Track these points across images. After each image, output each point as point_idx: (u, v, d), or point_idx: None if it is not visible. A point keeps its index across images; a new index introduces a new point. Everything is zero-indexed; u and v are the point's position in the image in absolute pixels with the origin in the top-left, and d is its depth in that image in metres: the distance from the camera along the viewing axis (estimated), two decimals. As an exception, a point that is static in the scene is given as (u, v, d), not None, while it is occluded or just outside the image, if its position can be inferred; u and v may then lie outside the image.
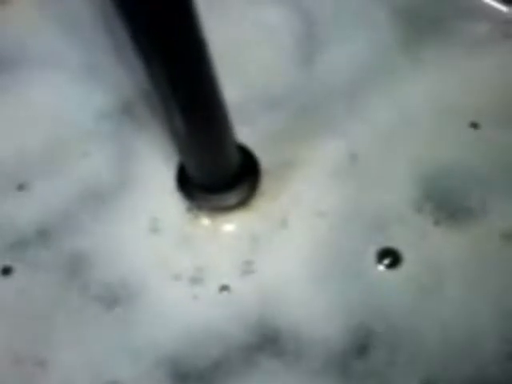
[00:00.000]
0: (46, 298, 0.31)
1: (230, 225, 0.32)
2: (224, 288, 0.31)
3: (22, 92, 0.36)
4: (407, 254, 0.31)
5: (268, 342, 0.30)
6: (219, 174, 0.30)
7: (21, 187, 0.34)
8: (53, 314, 0.31)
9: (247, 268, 0.31)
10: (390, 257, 0.31)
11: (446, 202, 0.32)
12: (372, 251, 0.31)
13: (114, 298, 0.31)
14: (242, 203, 0.32)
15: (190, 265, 0.32)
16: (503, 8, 0.36)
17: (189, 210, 0.32)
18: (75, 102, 0.36)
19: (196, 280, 0.31)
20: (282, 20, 0.37)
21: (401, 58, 0.36)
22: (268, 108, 0.35)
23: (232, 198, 0.31)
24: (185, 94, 0.24)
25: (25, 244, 0.32)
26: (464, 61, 0.36)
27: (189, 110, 0.25)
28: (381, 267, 0.31)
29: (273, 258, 0.32)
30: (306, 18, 0.38)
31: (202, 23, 0.22)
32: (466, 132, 0.34)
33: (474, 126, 0.34)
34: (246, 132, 0.31)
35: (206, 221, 0.32)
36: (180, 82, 0.24)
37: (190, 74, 0.24)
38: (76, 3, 0.38)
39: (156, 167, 0.33)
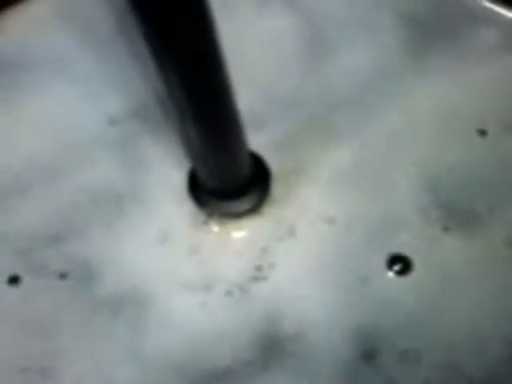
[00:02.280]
0: (53, 307, 0.31)
1: (240, 231, 0.32)
2: (233, 295, 0.31)
3: (31, 97, 0.36)
4: (417, 261, 0.31)
5: (277, 349, 0.30)
6: (231, 181, 0.30)
7: (28, 194, 0.33)
8: (61, 323, 0.31)
9: (257, 275, 0.31)
10: (401, 263, 0.31)
11: (455, 209, 0.32)
12: (382, 257, 0.31)
13: (123, 306, 0.31)
14: (253, 210, 0.32)
15: (200, 272, 0.32)
16: (510, 14, 0.36)
17: (198, 217, 0.32)
18: (85, 108, 0.35)
19: (206, 287, 0.31)
20: (290, 27, 0.37)
21: (407, 64, 0.36)
22: (276, 114, 0.35)
23: (243, 204, 0.31)
24: (199, 101, 0.24)
25: (32, 252, 0.32)
26: (471, 67, 0.36)
27: (203, 118, 0.25)
28: (391, 274, 0.31)
29: (283, 264, 0.32)
30: (312, 23, 0.38)
31: (217, 30, 0.22)
32: (473, 139, 0.34)
33: (482, 132, 0.34)
34: (255, 138, 0.31)
35: (216, 227, 0.32)
36: (195, 88, 0.24)
37: (205, 80, 0.23)
38: (89, 6, 0.37)
39: (166, 174, 0.33)
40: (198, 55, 0.22)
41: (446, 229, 0.32)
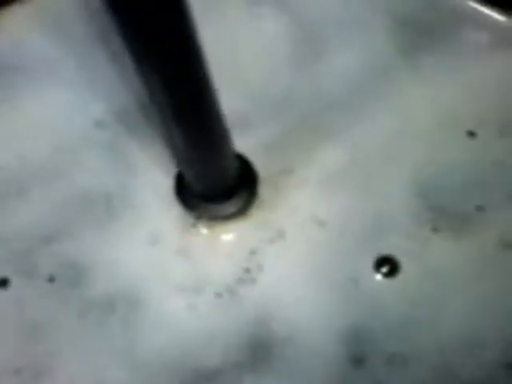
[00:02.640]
0: (43, 309, 0.31)
1: (229, 234, 0.32)
2: (222, 297, 0.31)
3: (16, 101, 0.36)
4: (405, 262, 0.31)
5: (266, 351, 0.30)
6: (218, 183, 0.30)
7: (16, 197, 0.34)
8: (51, 324, 0.31)
9: (246, 277, 0.31)
10: (388, 265, 0.31)
11: (444, 210, 0.32)
12: (370, 259, 0.31)
13: (113, 307, 0.31)
14: (241, 212, 0.32)
15: (189, 274, 0.32)
16: (501, 18, 0.36)
17: (187, 219, 0.33)
18: (71, 112, 0.36)
19: (195, 289, 0.31)
20: (281, 28, 0.37)
21: (399, 65, 0.36)
22: (266, 116, 0.35)
23: (230, 207, 0.31)
24: (182, 105, 0.24)
25: (21, 254, 0.32)
26: (462, 69, 0.36)
27: (186, 122, 0.25)
28: (378, 276, 0.31)
29: (271, 266, 0.32)
30: (303, 24, 0.38)
31: (198, 31, 0.22)
32: (463, 140, 0.34)
33: (471, 134, 0.34)
34: (243, 140, 0.31)
35: (204, 230, 0.32)
36: (177, 92, 0.24)
37: (185, 83, 0.24)
38: (72, 13, 0.38)
39: (154, 177, 0.33)
40: (177, 57, 0.22)
41: (435, 230, 0.32)
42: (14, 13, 0.38)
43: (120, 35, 0.21)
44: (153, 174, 0.33)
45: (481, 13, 0.37)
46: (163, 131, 0.28)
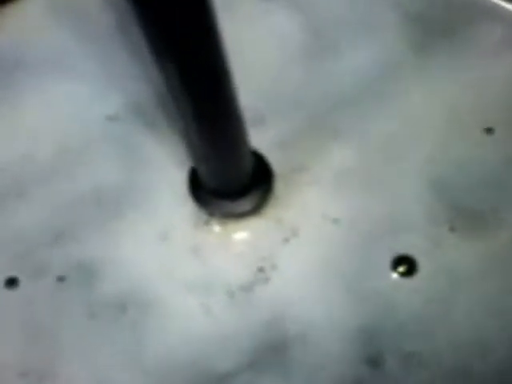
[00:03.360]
0: (52, 309, 0.31)
1: (242, 232, 0.32)
2: (235, 296, 0.31)
3: (30, 95, 0.36)
4: (422, 262, 0.31)
5: (279, 351, 0.29)
6: (233, 181, 0.30)
7: (26, 195, 0.33)
8: (60, 325, 0.30)
9: (259, 276, 0.31)
10: (405, 264, 0.31)
11: (461, 209, 0.32)
12: (387, 259, 0.31)
13: (124, 307, 0.31)
14: (255, 210, 0.31)
15: (201, 273, 0.31)
16: (513, 8, 0.36)
17: (199, 216, 0.32)
18: (85, 106, 0.35)
19: (206, 289, 0.31)
20: (292, 27, 0.37)
21: (410, 62, 0.36)
22: (278, 114, 0.34)
23: (245, 204, 0.31)
24: (201, 103, 0.24)
25: (30, 254, 0.32)
26: (476, 65, 0.35)
27: (205, 119, 0.25)
28: (395, 275, 0.30)
29: (285, 265, 0.31)
30: (314, 23, 0.37)
31: (219, 24, 0.22)
32: (479, 137, 0.33)
33: (488, 131, 0.33)
34: (257, 138, 0.31)
35: (217, 228, 0.32)
36: (197, 89, 0.23)
37: (208, 82, 0.23)
38: (88, 2, 0.37)
39: (167, 173, 0.33)
40: (201, 57, 0.22)
41: (452, 229, 0.31)
42: (29, 5, 0.38)
43: (139, 27, 0.21)
44: (166, 171, 0.33)
45: (495, 7, 0.37)
46: (180, 128, 0.28)
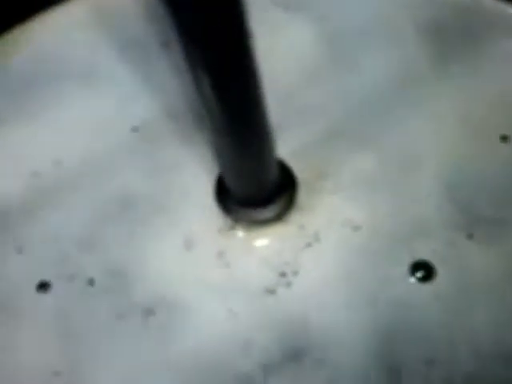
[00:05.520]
0: (83, 313, 0.32)
1: (266, 238, 0.33)
2: (258, 301, 0.31)
3: (61, 104, 0.36)
4: (440, 267, 0.31)
5: (300, 357, 0.30)
6: (259, 189, 0.31)
7: (56, 203, 0.34)
8: (90, 327, 0.31)
9: (281, 281, 0.32)
10: (423, 270, 0.31)
11: (479, 216, 0.32)
12: (405, 264, 0.31)
13: (150, 310, 0.31)
14: (278, 217, 0.32)
15: (225, 278, 0.32)
16: (533, 22, 0.37)
17: (225, 223, 0.33)
18: (113, 114, 0.36)
19: (230, 293, 0.32)
20: (311, 37, 0.38)
21: (430, 72, 0.36)
22: (298, 122, 0.35)
23: (268, 212, 0.32)
24: (234, 114, 0.25)
25: (61, 259, 0.33)
26: (494, 75, 0.36)
27: (236, 129, 0.26)
28: (413, 280, 0.31)
29: (307, 271, 0.32)
30: (334, 32, 0.38)
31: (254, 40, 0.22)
32: (496, 145, 0.34)
33: (505, 138, 0.34)
34: (280, 144, 0.31)
35: (241, 234, 0.33)
36: (230, 102, 0.24)
37: (241, 95, 0.24)
38: (118, 12, 0.38)
39: (194, 180, 0.34)
40: (236, 71, 0.23)
41: (470, 236, 0.32)
42: (66, 11, 0.39)
43: (178, 39, 0.21)
44: (192, 178, 0.34)
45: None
46: (209, 137, 0.28)
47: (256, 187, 0.30)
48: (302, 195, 0.33)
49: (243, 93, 0.24)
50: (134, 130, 0.36)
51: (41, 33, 0.39)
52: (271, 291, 0.31)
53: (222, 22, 0.20)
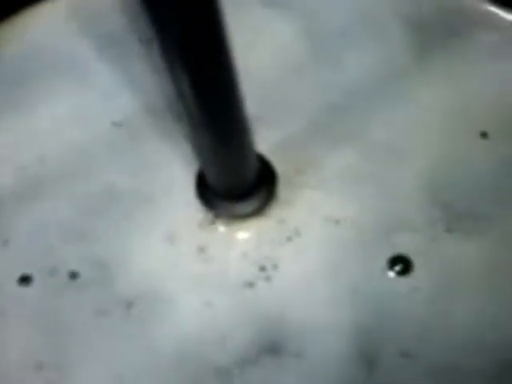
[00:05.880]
0: (65, 306, 0.32)
1: (246, 232, 0.33)
2: (238, 294, 0.32)
3: (42, 100, 0.37)
4: (418, 261, 0.32)
5: (278, 349, 0.31)
6: (238, 183, 0.31)
7: (39, 196, 0.34)
8: (72, 321, 0.32)
9: (261, 275, 0.32)
10: (401, 264, 0.32)
11: (457, 211, 0.33)
12: (384, 258, 0.32)
13: (132, 305, 0.32)
14: (258, 211, 0.33)
15: (206, 271, 0.32)
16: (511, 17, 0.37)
17: (206, 217, 0.33)
18: (94, 110, 0.36)
19: (211, 286, 0.32)
20: (293, 33, 0.38)
21: (411, 68, 0.37)
22: (280, 117, 0.35)
23: (249, 206, 0.32)
24: (211, 109, 0.25)
25: (43, 252, 0.33)
26: (474, 71, 0.36)
27: (214, 124, 0.26)
28: (391, 273, 0.32)
29: (286, 265, 0.32)
30: (317, 28, 0.38)
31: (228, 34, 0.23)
32: (475, 141, 0.34)
33: (484, 135, 0.35)
34: (261, 139, 0.32)
35: (222, 228, 0.33)
36: (206, 96, 0.24)
37: (216, 87, 0.24)
38: (101, 8, 0.38)
39: (175, 175, 0.34)
40: (211, 66, 0.23)
41: (448, 230, 0.32)
42: (44, 11, 0.39)
43: (152, 32, 0.22)
44: (173, 173, 0.34)
45: (492, 14, 0.38)
46: (188, 132, 0.29)
47: (235, 182, 0.31)
48: (283, 190, 0.33)
49: (220, 90, 0.24)
50: (116, 125, 0.36)
51: (23, 30, 0.39)
52: (251, 285, 0.32)
53: (198, 21, 0.21)
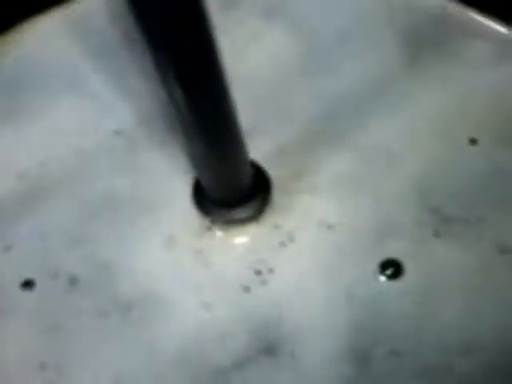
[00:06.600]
0: (65, 309, 0.33)
1: (242, 238, 0.34)
2: (235, 297, 0.33)
3: (43, 109, 0.38)
4: (408, 265, 0.32)
5: (273, 351, 0.31)
6: (233, 190, 0.32)
7: (40, 202, 0.35)
8: (73, 323, 0.32)
9: (256, 279, 0.33)
10: (392, 267, 0.33)
11: (446, 216, 0.34)
12: (375, 262, 0.33)
13: (132, 309, 0.33)
14: (254, 217, 0.34)
15: (203, 275, 0.33)
16: (503, 29, 0.38)
17: (203, 223, 0.34)
18: (93, 120, 0.37)
19: (208, 290, 0.33)
20: (289, 38, 0.39)
21: (404, 76, 0.37)
22: (274, 124, 0.36)
23: (244, 212, 0.33)
24: (203, 117, 0.26)
25: (45, 257, 0.34)
26: (465, 79, 0.37)
27: (207, 132, 0.27)
28: (383, 277, 0.32)
29: (281, 269, 0.33)
30: (310, 37, 0.39)
31: (217, 42, 0.24)
32: (465, 147, 0.35)
33: (473, 141, 0.35)
34: (255, 146, 0.33)
35: (218, 233, 0.34)
36: (199, 105, 0.25)
37: (208, 96, 0.25)
38: (99, 20, 0.39)
39: (172, 183, 0.35)
40: (202, 74, 0.24)
41: (437, 234, 0.33)
42: (40, 23, 0.40)
43: (144, 45, 0.23)
44: (171, 181, 0.35)
45: (483, 25, 0.38)
46: (183, 140, 0.30)
47: (230, 189, 0.32)
48: (278, 195, 0.34)
49: (211, 99, 0.25)
50: (116, 133, 0.37)
51: (21, 42, 0.40)
52: (247, 288, 0.33)
53: (188, 33, 0.22)
